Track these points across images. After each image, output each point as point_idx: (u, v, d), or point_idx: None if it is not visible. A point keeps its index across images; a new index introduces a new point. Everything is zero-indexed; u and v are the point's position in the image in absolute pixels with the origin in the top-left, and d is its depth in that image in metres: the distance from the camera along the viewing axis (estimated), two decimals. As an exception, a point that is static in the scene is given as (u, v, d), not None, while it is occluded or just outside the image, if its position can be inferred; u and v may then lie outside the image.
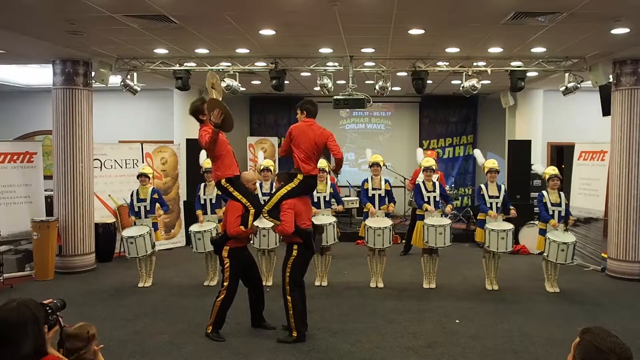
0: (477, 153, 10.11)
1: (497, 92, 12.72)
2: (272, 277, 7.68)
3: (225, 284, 5.60)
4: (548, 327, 5.99)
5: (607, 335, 1.95)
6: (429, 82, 8.99)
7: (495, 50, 8.04)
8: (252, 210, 5.56)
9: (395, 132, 14.58)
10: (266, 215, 5.55)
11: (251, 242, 6.62)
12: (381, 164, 7.80)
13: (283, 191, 5.48)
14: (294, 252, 5.54)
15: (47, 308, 2.35)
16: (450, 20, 6.44)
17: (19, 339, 2.15)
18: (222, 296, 5.60)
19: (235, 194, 5.56)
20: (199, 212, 7.71)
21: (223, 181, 5.55)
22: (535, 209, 9.40)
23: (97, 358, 2.78)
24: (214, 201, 7.68)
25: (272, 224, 5.69)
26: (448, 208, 7.66)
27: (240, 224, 5.52)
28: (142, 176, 7.81)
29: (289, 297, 5.50)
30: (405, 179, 11.31)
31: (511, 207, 7.52)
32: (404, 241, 10.16)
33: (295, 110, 5.88)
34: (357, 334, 5.70)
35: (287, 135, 5.64)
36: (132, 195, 7.83)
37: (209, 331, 5.60)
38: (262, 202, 5.95)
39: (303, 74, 9.85)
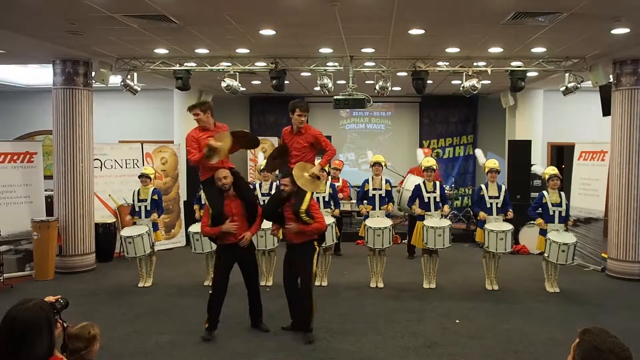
0: (479, 153, 10.10)
1: (497, 92, 12.72)
2: (273, 277, 7.67)
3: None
4: (548, 327, 5.99)
5: (606, 335, 1.95)
6: (429, 82, 8.98)
7: (495, 50, 8.03)
8: (209, 212, 5.65)
9: (395, 132, 14.57)
10: (304, 214, 5.51)
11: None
12: (383, 163, 7.81)
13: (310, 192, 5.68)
14: (316, 248, 5.66)
15: (54, 310, 2.34)
16: (450, 20, 6.44)
17: (35, 341, 2.15)
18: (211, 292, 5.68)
19: (204, 195, 5.85)
20: (196, 206, 7.75)
21: (201, 185, 5.88)
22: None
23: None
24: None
25: (291, 225, 5.55)
26: (446, 208, 7.64)
27: (209, 224, 5.66)
28: (143, 177, 7.84)
29: (315, 299, 5.60)
30: (403, 178, 11.22)
31: (509, 210, 7.49)
32: (404, 241, 10.14)
33: (290, 111, 5.85)
34: (357, 334, 5.70)
35: (320, 137, 5.89)
36: (133, 195, 7.87)
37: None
38: (262, 203, 5.96)
39: (303, 74, 9.85)
